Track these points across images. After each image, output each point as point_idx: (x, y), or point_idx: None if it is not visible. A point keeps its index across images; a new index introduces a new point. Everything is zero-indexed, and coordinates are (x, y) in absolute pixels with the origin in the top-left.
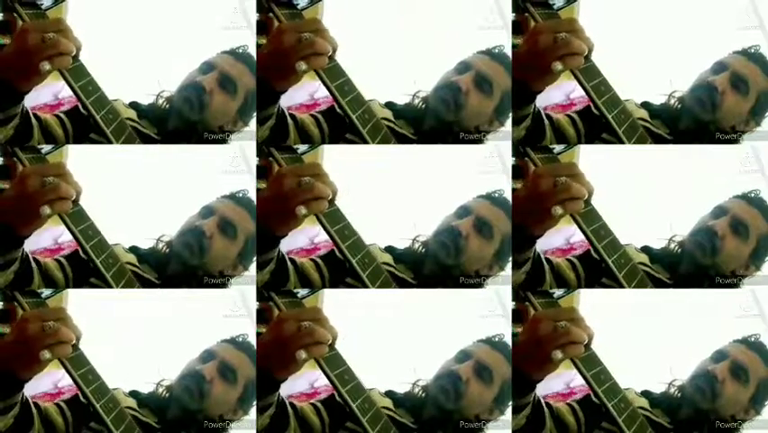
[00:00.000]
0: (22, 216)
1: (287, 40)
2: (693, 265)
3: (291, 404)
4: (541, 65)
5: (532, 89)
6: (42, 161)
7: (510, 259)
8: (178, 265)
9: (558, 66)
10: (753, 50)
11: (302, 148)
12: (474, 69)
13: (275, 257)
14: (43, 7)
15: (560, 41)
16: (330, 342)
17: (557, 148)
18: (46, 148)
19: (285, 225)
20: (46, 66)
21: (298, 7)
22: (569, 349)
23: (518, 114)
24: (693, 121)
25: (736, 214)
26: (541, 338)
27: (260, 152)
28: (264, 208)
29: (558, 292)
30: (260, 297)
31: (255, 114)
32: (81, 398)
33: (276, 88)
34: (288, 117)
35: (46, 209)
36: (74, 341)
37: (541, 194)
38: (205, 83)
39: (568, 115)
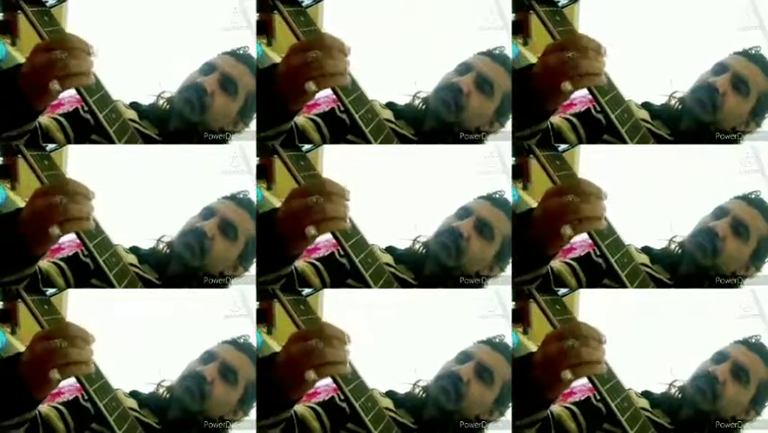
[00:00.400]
0: (36, 237)
1: (293, 61)
2: (694, 266)
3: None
4: (551, 87)
5: (547, 109)
6: (48, 159)
7: (510, 260)
8: (178, 266)
9: (568, 86)
10: (753, 51)
11: (306, 147)
12: (475, 71)
13: (286, 274)
14: (48, 5)
15: (569, 62)
16: (340, 361)
17: (561, 147)
18: (50, 146)
19: (296, 247)
20: (56, 86)
21: (303, 5)
22: (579, 370)
23: (533, 129)
24: (694, 122)
25: (736, 215)
26: (551, 358)
27: (261, 151)
28: (277, 229)
29: (562, 290)
30: (260, 296)
31: (255, 114)
32: (82, 400)
33: (290, 108)
34: (293, 122)
35: (56, 230)
36: (86, 360)
37: (552, 214)
38: (207, 84)
39: (567, 119)
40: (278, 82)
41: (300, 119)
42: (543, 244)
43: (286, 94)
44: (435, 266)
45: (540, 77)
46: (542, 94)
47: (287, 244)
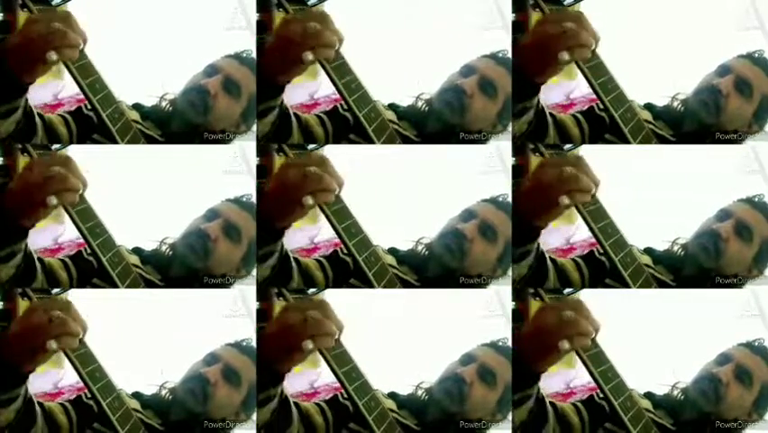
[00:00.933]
0: (27, 207)
1: (292, 30)
2: (697, 268)
3: (295, 403)
4: (547, 55)
5: (535, 81)
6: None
7: (511, 261)
8: (181, 267)
9: (565, 56)
10: (757, 54)
11: (310, 146)
12: (479, 73)
13: (277, 251)
14: (53, 3)
15: (568, 31)
16: (336, 334)
17: (566, 146)
18: (55, 146)
19: (289, 216)
20: (53, 56)
21: (308, 4)
22: (576, 340)
23: (519, 106)
24: (697, 123)
25: (740, 217)
26: (547, 328)
27: (261, 151)
28: (268, 199)
29: (567, 290)
30: (260, 296)
31: (256, 116)
32: (85, 398)
33: (278, 81)
34: (292, 116)
35: (52, 200)
36: (81, 334)
37: (547, 184)
38: (210, 86)
39: (572, 115)
40: (271, 52)
41: (304, 116)
42: (534, 218)
43: (279, 65)
44: (438, 267)
45: (532, 49)
46: (532, 67)
47: (278, 216)
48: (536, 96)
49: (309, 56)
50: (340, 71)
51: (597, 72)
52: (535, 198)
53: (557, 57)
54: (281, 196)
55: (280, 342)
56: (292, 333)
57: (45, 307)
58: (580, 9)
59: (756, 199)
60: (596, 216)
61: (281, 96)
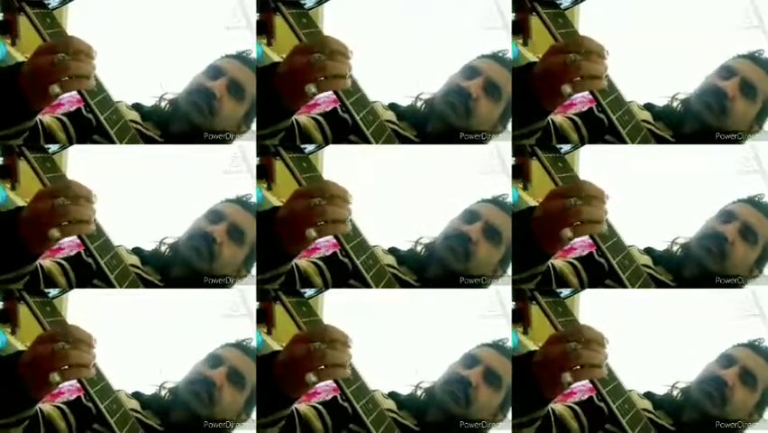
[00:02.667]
0: (35, 238)
1: (297, 61)
2: (700, 269)
3: (296, 409)
4: (552, 87)
5: (545, 108)
6: (50, 162)
7: (511, 262)
8: (183, 269)
9: (567, 89)
10: (758, 55)
11: (309, 148)
12: (484, 75)
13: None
14: (50, 7)
15: (571, 64)
16: (341, 365)
17: (564, 148)
18: (53, 148)
19: (296, 246)
20: (56, 89)
21: (305, 7)
22: (579, 373)
23: (531, 127)
24: (699, 125)
25: (745, 220)
26: (552, 360)
27: (261, 151)
28: (280, 228)
29: (565, 292)
30: (260, 297)
31: (256, 115)
32: (84, 400)
33: (292, 108)
34: (294, 121)
35: (55, 233)
36: (87, 363)
37: (552, 216)
38: (216, 89)
39: (570, 118)
40: (278, 82)
41: (302, 118)
42: (542, 244)
43: (286, 94)
44: (440, 268)
45: (541, 77)
46: (541, 94)
47: (286, 245)
48: (545, 118)
49: (312, 89)
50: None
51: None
52: (542, 230)
53: (560, 90)
54: (288, 227)
55: (287, 373)
56: (297, 365)
57: (52, 336)
58: (577, 10)
59: (758, 200)
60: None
61: (292, 118)
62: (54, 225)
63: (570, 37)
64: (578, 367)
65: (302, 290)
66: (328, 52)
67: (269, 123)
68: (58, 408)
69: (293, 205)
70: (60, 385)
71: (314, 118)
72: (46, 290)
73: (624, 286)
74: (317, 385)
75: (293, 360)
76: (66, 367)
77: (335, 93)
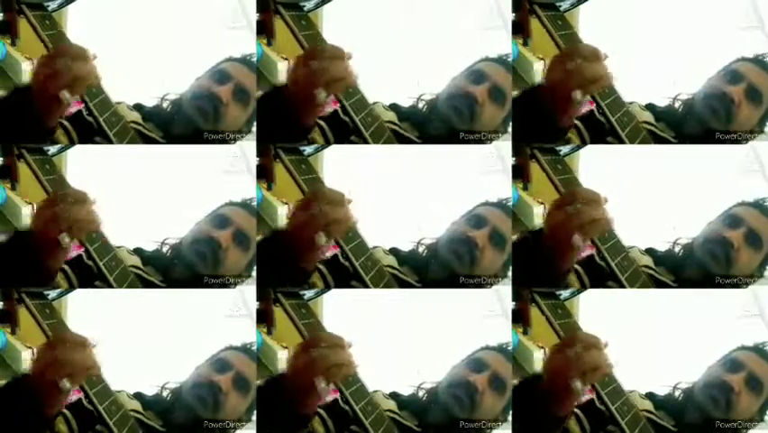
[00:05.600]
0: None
1: (301, 73)
2: (703, 272)
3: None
4: (562, 98)
5: (560, 126)
6: (49, 164)
7: (511, 265)
8: (186, 271)
9: (578, 95)
10: (762, 58)
11: (308, 150)
12: (490, 81)
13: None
14: (49, 9)
15: (575, 70)
16: (345, 363)
17: (563, 150)
18: (52, 150)
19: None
20: (66, 95)
21: (304, 9)
22: (588, 376)
23: (548, 150)
24: (702, 128)
25: (751, 225)
26: (559, 371)
27: (261, 151)
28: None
29: (564, 294)
30: (260, 297)
31: (256, 117)
32: (85, 403)
33: (305, 123)
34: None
35: (65, 237)
36: (93, 368)
37: (558, 228)
38: (222, 94)
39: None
40: (289, 99)
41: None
42: (557, 260)
43: (298, 109)
44: (443, 271)
45: (548, 90)
46: (552, 107)
47: (300, 261)
48: (565, 137)
49: (323, 93)
50: None
51: None
52: (553, 246)
53: (571, 97)
54: (297, 239)
55: (297, 386)
56: (305, 375)
57: (52, 345)
58: (577, 12)
59: (762, 203)
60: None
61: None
62: (62, 231)
63: (568, 39)
64: (585, 371)
65: (301, 292)
66: (329, 57)
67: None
68: (59, 412)
69: (296, 218)
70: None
71: (315, 122)
72: (45, 292)
73: (623, 286)
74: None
75: (298, 373)
76: (72, 372)
77: (335, 96)
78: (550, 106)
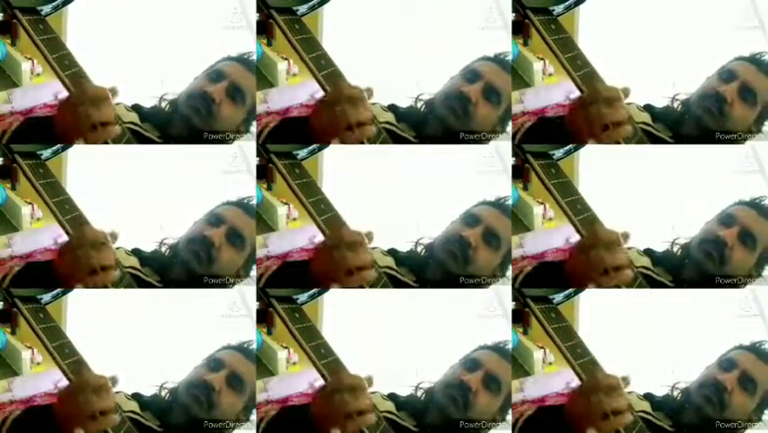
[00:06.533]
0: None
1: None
2: (699, 272)
3: (291, 407)
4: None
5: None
6: (43, 168)
7: (510, 265)
8: (183, 272)
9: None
10: (758, 57)
11: (301, 153)
12: (484, 80)
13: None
14: (43, 13)
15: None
16: (366, 412)
17: (557, 154)
18: (45, 153)
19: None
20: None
21: (298, 14)
22: (606, 425)
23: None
24: (698, 128)
25: (745, 224)
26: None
27: (260, 153)
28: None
29: (558, 298)
30: (260, 297)
31: (255, 117)
32: None
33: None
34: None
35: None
36: (106, 409)
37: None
38: (215, 93)
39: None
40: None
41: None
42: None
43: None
44: (440, 271)
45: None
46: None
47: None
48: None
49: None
50: (334, 75)
51: (587, 79)
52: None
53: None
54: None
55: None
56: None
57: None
58: (577, 15)
59: (759, 203)
60: (592, 219)
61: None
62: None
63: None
64: (604, 417)
65: (295, 297)
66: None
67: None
68: None
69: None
70: (61, 384)
71: None
72: (39, 297)
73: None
74: (316, 385)
75: (318, 420)
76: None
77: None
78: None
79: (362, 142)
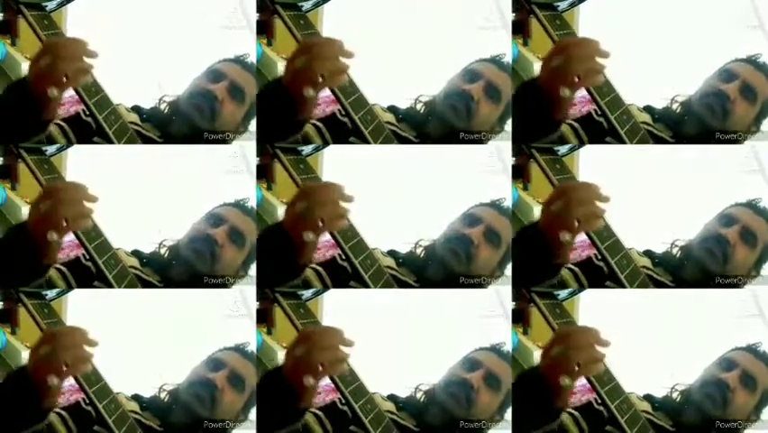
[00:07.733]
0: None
1: (292, 67)
2: (700, 272)
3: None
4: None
5: (556, 118)
6: (48, 164)
7: (510, 262)
8: (184, 271)
9: (566, 92)
10: (756, 59)
11: (306, 150)
12: (484, 79)
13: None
14: (48, 9)
15: (557, 67)
16: (346, 359)
17: (561, 150)
18: (50, 150)
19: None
20: (54, 92)
21: (302, 9)
22: (576, 373)
23: (542, 143)
24: (700, 127)
25: (746, 223)
26: (551, 367)
27: (261, 151)
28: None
29: (562, 294)
30: (260, 297)
31: (255, 116)
32: (83, 405)
33: (304, 116)
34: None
35: (53, 235)
36: (82, 359)
37: (550, 223)
38: (217, 92)
39: (569, 124)
40: (284, 92)
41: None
42: (550, 254)
43: (293, 103)
44: (441, 271)
45: (543, 84)
46: (547, 102)
47: (299, 254)
48: (558, 131)
49: (310, 92)
50: None
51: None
52: (546, 239)
53: (559, 94)
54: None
55: (292, 377)
56: (300, 368)
57: (43, 340)
58: (577, 12)
59: (756, 203)
60: None
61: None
62: (51, 229)
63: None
64: (574, 368)
65: (300, 293)
66: (321, 51)
67: (283, 135)
68: (57, 413)
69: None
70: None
71: (313, 124)
72: (44, 293)
73: (623, 286)
74: (317, 387)
75: (291, 368)
76: (60, 367)
77: (334, 95)
78: (544, 101)
79: (334, 92)
